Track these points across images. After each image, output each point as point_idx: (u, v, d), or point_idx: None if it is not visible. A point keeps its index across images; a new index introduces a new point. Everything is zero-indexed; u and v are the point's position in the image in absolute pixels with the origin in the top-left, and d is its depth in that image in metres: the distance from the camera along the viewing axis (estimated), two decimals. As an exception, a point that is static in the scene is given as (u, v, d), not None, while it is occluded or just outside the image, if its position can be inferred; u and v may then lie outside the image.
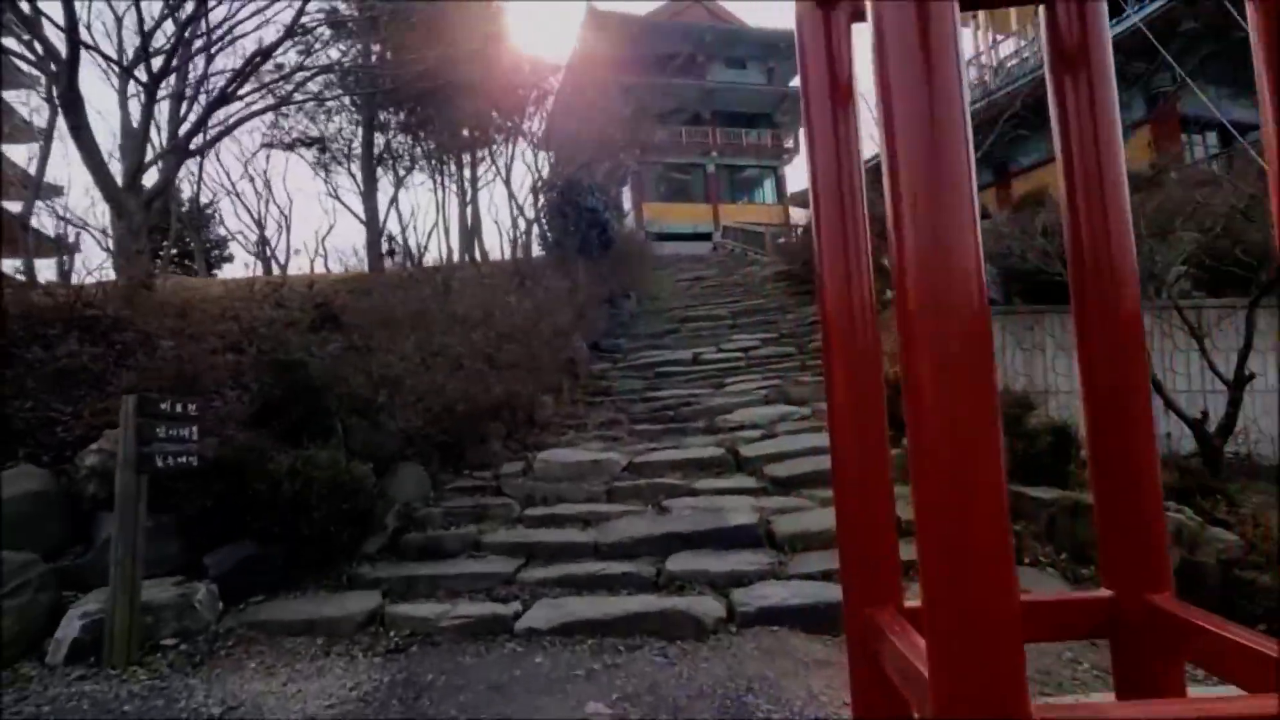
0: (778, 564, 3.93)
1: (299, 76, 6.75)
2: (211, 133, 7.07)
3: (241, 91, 6.47)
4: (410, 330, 6.91)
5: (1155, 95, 15.87)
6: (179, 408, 3.70)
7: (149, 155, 6.57)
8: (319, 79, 7.60)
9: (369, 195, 10.96)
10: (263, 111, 7.57)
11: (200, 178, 12.73)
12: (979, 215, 0.81)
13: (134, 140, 6.41)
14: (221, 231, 17.09)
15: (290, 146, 12.20)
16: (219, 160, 16.14)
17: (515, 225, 13.66)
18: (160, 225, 14.59)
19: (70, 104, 5.96)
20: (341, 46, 9.80)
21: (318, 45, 7.58)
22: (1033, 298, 8.43)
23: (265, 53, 6.09)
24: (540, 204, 11.63)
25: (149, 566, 3.83)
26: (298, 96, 7.40)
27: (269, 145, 12.47)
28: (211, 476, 4.07)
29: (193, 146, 6.33)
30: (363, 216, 12.02)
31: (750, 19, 33.90)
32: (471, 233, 14.22)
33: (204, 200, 15.13)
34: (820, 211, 1.30)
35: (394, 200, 15.40)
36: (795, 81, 25.55)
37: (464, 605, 3.80)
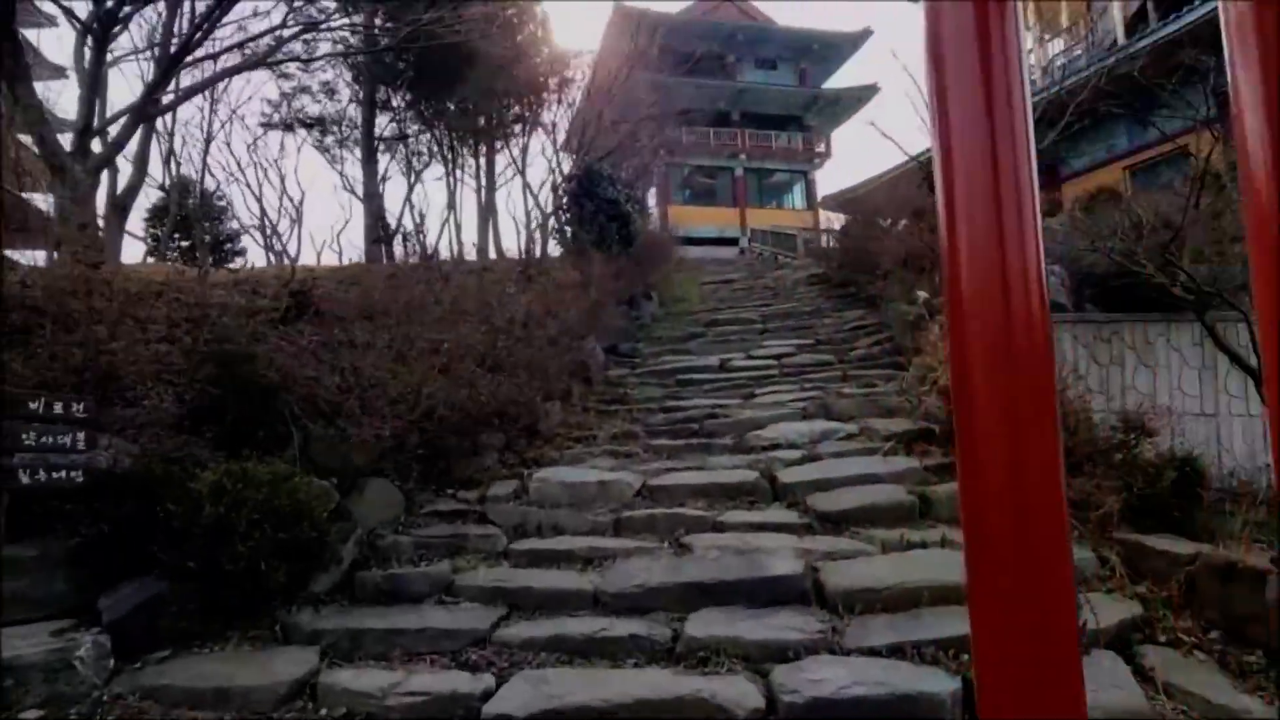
0: (832, 631, 3.00)
1: (288, 32, 6.00)
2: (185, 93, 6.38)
3: (213, 48, 5.82)
4: (400, 324, 6.08)
5: (1221, 94, 14.64)
6: (59, 408, 2.88)
7: (106, 115, 5.85)
8: (307, 37, 6.93)
9: (369, 178, 10.22)
10: (236, 70, 6.82)
11: (205, 164, 12.09)
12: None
13: (83, 96, 5.70)
14: (234, 224, 16.48)
15: (289, 126, 11.57)
16: (230, 149, 15.69)
17: (529, 218, 12.88)
18: (159, 210, 14.06)
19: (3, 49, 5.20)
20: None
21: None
22: (1110, 304, 7.40)
23: (232, -3, 5.37)
24: (559, 196, 10.81)
25: (28, 608, 3.02)
26: (281, 56, 6.66)
27: (266, 125, 11.86)
28: (118, 495, 3.26)
29: (160, 106, 5.59)
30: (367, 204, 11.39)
31: (781, 18, 32.92)
32: (486, 227, 13.49)
33: (212, 188, 14.53)
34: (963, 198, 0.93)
35: (409, 194, 14.68)
36: (828, 83, 24.47)
37: (421, 674, 2.92)
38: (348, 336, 5.53)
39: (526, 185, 12.88)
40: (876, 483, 4.23)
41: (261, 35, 6.39)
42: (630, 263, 10.68)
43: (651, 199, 29.57)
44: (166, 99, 6.43)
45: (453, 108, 12.41)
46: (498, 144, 13.88)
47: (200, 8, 5.25)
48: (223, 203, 16.23)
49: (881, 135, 9.85)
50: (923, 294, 6.44)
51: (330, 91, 11.09)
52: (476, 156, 14.80)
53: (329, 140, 11.89)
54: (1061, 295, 7.31)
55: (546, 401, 6.30)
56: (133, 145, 6.96)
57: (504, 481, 4.78)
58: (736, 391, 7.03)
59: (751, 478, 4.44)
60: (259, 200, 16.79)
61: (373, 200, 9.98)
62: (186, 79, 7.21)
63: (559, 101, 13.50)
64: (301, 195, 30.35)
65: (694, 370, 7.88)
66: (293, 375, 4.57)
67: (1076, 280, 7.49)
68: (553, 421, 6.20)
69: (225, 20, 5.86)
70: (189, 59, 5.76)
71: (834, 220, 20.66)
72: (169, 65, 5.27)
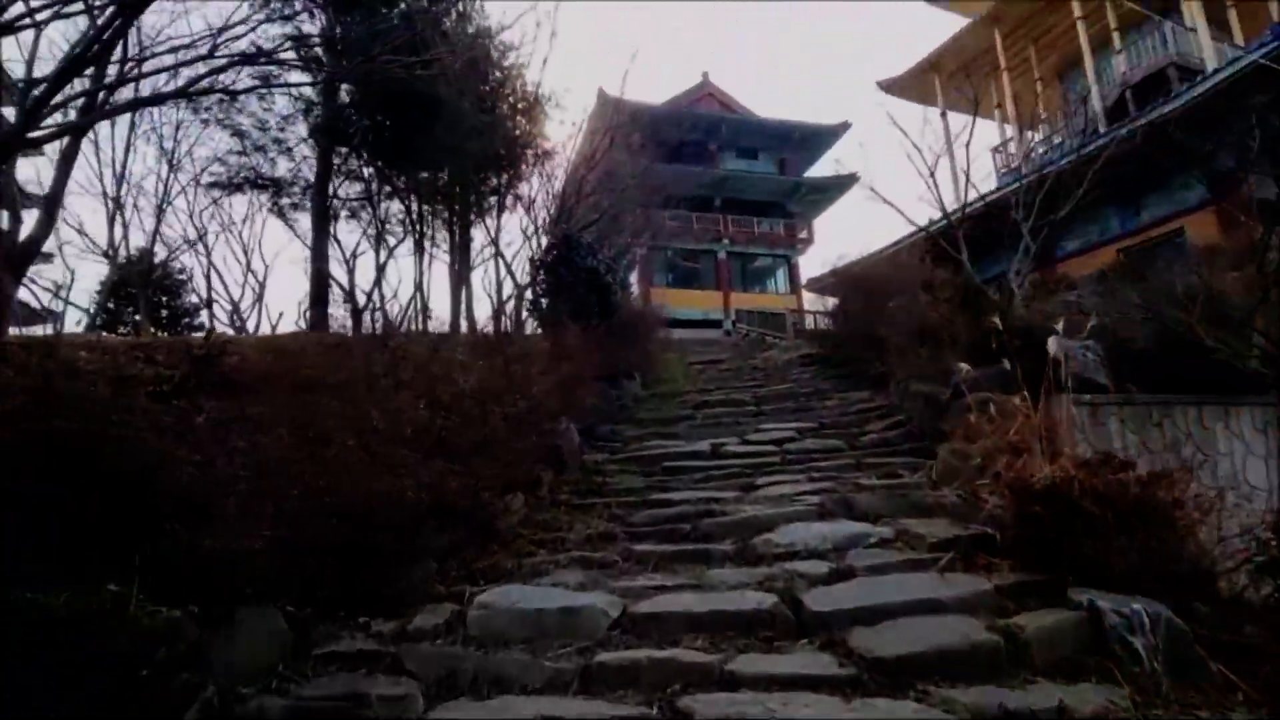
0: None
1: (219, 63, 5.22)
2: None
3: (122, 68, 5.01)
4: (333, 400, 5.01)
5: (1217, 176, 14.54)
6: None
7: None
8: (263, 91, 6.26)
9: (318, 238, 9.36)
10: (158, 101, 6.10)
11: (157, 231, 11.24)
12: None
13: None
14: (193, 298, 15.51)
15: (238, 187, 10.79)
16: (191, 216, 14.86)
17: (500, 289, 12.06)
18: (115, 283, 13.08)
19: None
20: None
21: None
22: (1153, 384, 6.57)
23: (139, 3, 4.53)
24: (535, 267, 10.01)
25: None
26: (204, 87, 5.87)
27: (216, 184, 11.07)
28: None
29: (35, 134, 4.70)
30: (333, 274, 10.54)
31: (762, 110, 33.81)
32: (458, 301, 12.62)
33: (167, 258, 13.63)
34: None
35: (381, 266, 13.87)
36: (810, 172, 24.71)
37: None
38: (258, 412, 4.44)
39: (500, 254, 12.13)
40: (939, 612, 3.12)
41: (183, 65, 5.68)
42: (611, 339, 9.77)
43: (634, 280, 29.24)
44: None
45: (425, 176, 11.81)
46: (473, 215, 13.23)
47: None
48: (182, 275, 15.33)
49: (883, 201, 9.32)
50: (964, 366, 5.55)
51: (286, 149, 10.45)
52: (450, 229, 14.13)
53: (285, 203, 11.12)
54: (1099, 373, 6.43)
55: (508, 493, 5.18)
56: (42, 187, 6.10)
57: (436, 606, 3.60)
58: (733, 482, 5.95)
59: (767, 603, 3.31)
60: (213, 270, 15.89)
61: (321, 262, 9.10)
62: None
63: (539, 175, 13.00)
64: (265, 266, 29.67)
65: (682, 456, 6.82)
66: (171, 462, 3.47)
67: (1113, 356, 6.65)
68: (513, 518, 5.05)
69: (154, 52, 5.19)
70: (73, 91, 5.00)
71: (821, 303, 20.15)
72: (52, 84, 4.43)
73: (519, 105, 13.22)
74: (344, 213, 13.06)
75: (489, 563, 4.26)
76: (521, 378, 7.24)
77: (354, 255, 15.19)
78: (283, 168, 11.09)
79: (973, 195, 15.38)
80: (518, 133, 13.23)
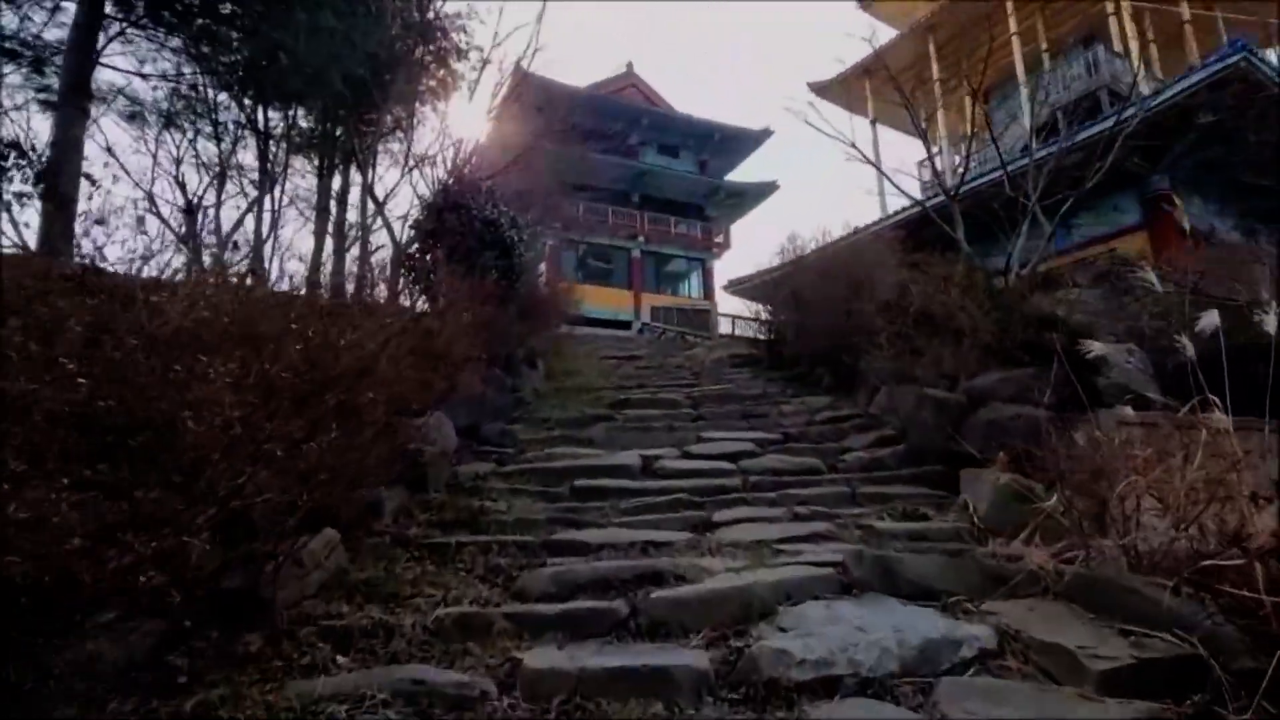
0: None
1: None
2: None
3: None
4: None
5: (1150, 198, 14.15)
6: None
7: None
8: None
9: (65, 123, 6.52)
10: None
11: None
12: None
13: None
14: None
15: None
16: None
17: (363, 234, 9.60)
18: None
19: None
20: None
21: None
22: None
23: None
24: (421, 218, 7.69)
25: None
26: None
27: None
28: None
29: None
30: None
31: (682, 108, 32.47)
32: (317, 261, 10.03)
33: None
34: None
35: (256, 205, 11.01)
36: (730, 176, 23.36)
37: None
38: None
39: (377, 203, 9.62)
40: None
41: None
42: (509, 316, 7.60)
43: (543, 270, 26.93)
44: None
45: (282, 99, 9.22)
46: (350, 163, 10.67)
47: None
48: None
49: (865, 161, 7.77)
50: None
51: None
52: (321, 174, 11.47)
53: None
54: (1148, 385, 4.96)
55: (305, 534, 2.96)
56: None
57: None
58: (679, 516, 3.99)
59: None
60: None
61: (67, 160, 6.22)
62: None
63: (441, 136, 10.57)
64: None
65: (601, 473, 4.78)
66: None
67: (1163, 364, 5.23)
68: (308, 581, 2.85)
69: None
70: None
71: (746, 308, 18.63)
72: None
73: (425, 49, 10.85)
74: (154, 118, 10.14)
75: (200, 700, 2.05)
76: (381, 356, 5.00)
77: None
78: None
79: (904, 204, 14.31)
80: (422, 84, 10.85)
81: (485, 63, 10.15)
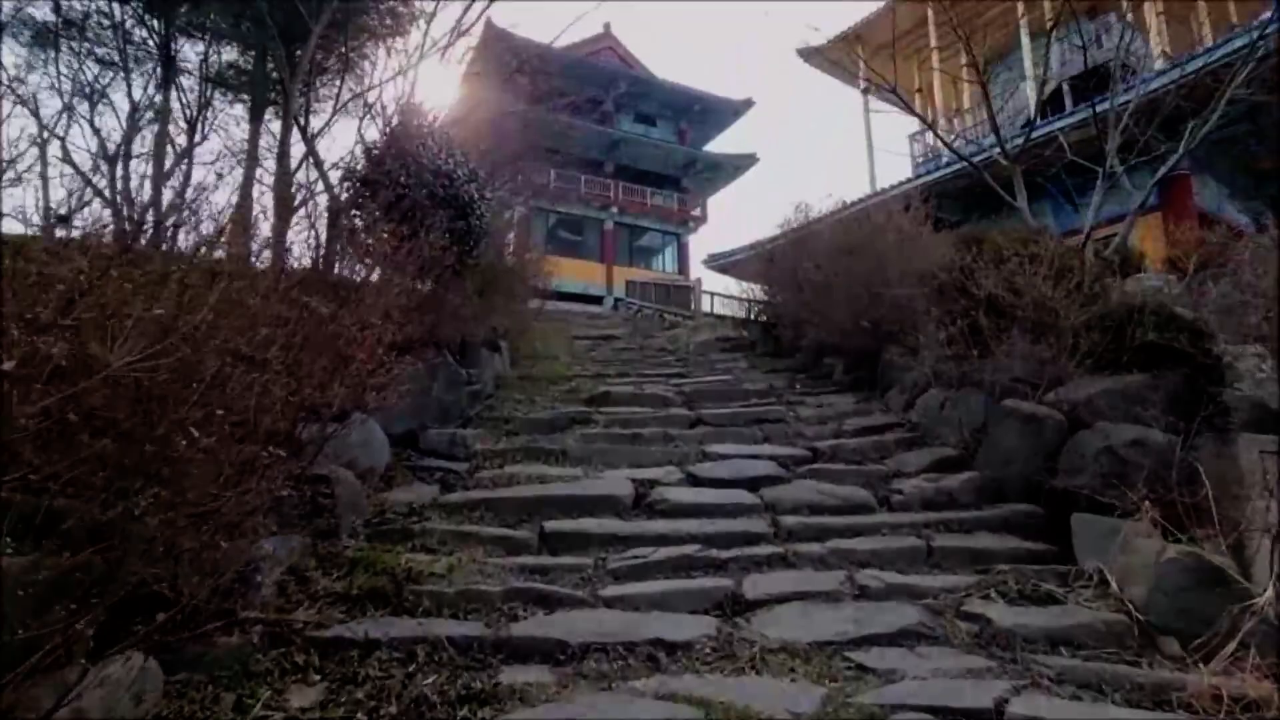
0: None
1: None
2: None
3: None
4: None
5: (1166, 178, 13.24)
6: None
7: None
8: None
9: None
10: None
11: None
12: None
13: None
14: None
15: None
16: None
17: (283, 187, 8.11)
18: None
19: None
20: None
21: None
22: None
23: None
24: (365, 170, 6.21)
25: None
26: None
27: None
28: None
29: None
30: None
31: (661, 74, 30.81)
32: (241, 220, 8.50)
33: None
34: None
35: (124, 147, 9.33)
36: (709, 146, 21.96)
37: None
38: None
39: (315, 159, 8.08)
40: None
41: None
42: (466, 289, 6.24)
43: (510, 240, 25.39)
44: None
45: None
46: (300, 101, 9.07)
47: None
48: None
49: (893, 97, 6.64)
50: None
51: None
52: (257, 121, 9.84)
53: None
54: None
55: (93, 658, 1.66)
56: None
57: None
58: (694, 587, 2.79)
59: None
60: None
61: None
62: None
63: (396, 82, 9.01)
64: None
65: (581, 507, 3.53)
66: None
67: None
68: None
69: None
70: None
71: (736, 286, 17.43)
72: None
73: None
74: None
75: None
76: (293, 338, 3.66)
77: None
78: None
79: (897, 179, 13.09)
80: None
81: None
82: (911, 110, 9.16)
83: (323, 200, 6.83)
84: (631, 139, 29.46)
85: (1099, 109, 7.19)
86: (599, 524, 3.36)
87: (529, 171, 22.56)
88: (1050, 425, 3.59)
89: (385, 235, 5.10)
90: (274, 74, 9.38)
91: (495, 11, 11.04)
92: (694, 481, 3.96)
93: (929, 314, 4.78)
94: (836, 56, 21.85)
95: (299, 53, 8.53)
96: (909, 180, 14.30)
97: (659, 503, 3.63)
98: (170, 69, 8.39)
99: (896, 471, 4.08)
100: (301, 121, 8.42)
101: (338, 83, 9.44)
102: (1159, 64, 14.64)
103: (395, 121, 6.27)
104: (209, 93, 9.38)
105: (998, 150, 7.29)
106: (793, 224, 8.45)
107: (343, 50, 9.32)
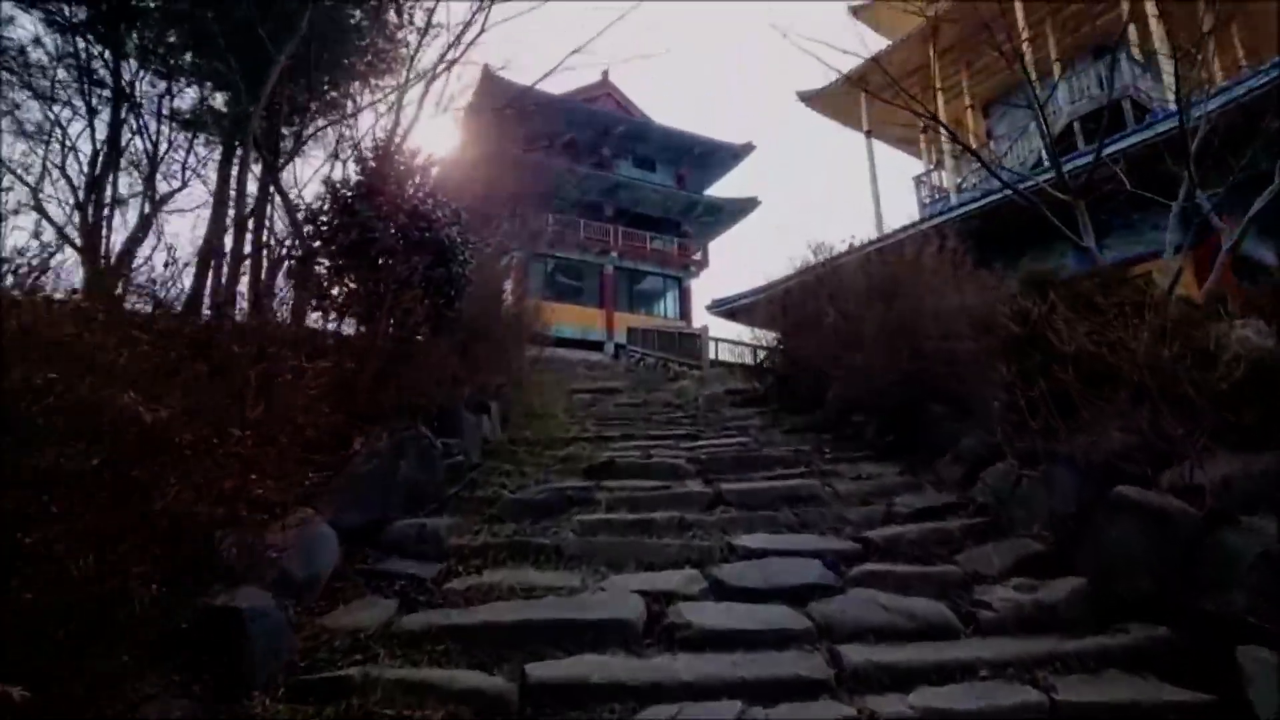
0: None
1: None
2: None
3: None
4: None
5: (1198, 217, 12.63)
6: None
7: None
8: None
9: None
10: None
11: None
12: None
13: None
14: None
15: None
16: None
17: (258, 230, 7.40)
18: None
19: None
20: None
21: None
22: None
23: None
24: (327, 212, 5.51)
25: None
26: None
27: None
28: None
29: None
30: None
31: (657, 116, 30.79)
32: (203, 272, 7.80)
33: None
34: None
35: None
36: (710, 190, 21.54)
37: None
38: None
39: (282, 195, 7.41)
40: None
41: None
42: (444, 349, 5.48)
43: (508, 288, 24.86)
44: None
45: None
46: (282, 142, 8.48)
47: None
48: None
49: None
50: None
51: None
52: (227, 164, 9.24)
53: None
54: None
55: None
56: None
57: None
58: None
59: None
60: None
61: None
62: None
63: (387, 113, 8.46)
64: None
65: (577, 639, 2.68)
66: None
67: None
68: None
69: None
70: None
71: (743, 334, 16.72)
72: None
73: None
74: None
75: None
76: (240, 409, 2.90)
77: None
78: None
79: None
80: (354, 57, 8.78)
81: (428, 26, 8.03)
82: (956, 138, 8.59)
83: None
84: (630, 183, 29.24)
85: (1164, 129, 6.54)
86: (602, 665, 2.52)
87: (527, 216, 22.10)
88: (1185, 524, 2.77)
89: (349, 286, 4.39)
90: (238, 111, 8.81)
91: (490, 57, 10.62)
92: (721, 592, 3.12)
93: (989, 368, 4.00)
94: (836, 100, 21.61)
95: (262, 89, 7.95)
96: (927, 219, 13.71)
97: (679, 627, 2.78)
98: (128, 106, 7.79)
99: (975, 574, 3.24)
100: (269, 159, 7.78)
101: (319, 121, 8.89)
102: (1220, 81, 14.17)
103: (371, 162, 5.59)
104: (170, 132, 8.78)
105: (1042, 181, 6.62)
106: (812, 262, 7.75)
107: (324, 87, 8.79)
